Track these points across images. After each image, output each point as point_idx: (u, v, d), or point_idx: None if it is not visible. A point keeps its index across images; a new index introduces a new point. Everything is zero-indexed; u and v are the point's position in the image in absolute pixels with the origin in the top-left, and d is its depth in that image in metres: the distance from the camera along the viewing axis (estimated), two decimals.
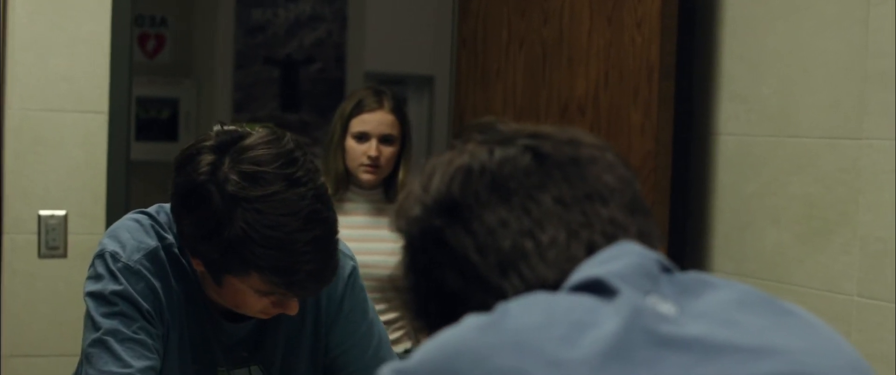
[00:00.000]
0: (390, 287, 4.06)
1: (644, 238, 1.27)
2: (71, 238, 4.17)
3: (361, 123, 4.02)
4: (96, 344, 2.20)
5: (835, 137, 3.64)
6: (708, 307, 1.18)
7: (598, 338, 1.10)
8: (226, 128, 2.20)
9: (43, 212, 4.14)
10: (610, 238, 1.24)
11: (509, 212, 1.24)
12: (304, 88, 7.84)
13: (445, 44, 6.06)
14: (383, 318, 4.05)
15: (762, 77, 3.89)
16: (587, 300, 1.15)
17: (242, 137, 2.17)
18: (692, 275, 1.24)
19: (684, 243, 4.10)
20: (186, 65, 7.75)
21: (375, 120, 4.03)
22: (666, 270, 1.23)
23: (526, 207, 1.25)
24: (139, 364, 2.19)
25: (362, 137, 4.02)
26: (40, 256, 4.15)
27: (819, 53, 3.69)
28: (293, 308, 2.24)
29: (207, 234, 2.14)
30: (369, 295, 3.93)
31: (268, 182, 2.10)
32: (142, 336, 2.21)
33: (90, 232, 4.18)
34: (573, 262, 1.22)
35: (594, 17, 4.15)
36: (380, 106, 4.04)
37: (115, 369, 2.18)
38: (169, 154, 8.06)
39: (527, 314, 1.13)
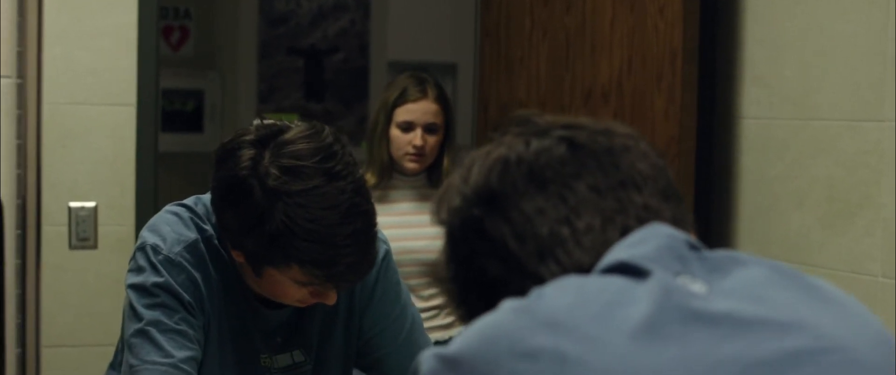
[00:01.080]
0: (433, 277, 4.11)
1: (678, 223, 1.29)
2: (101, 230, 4.20)
3: (406, 112, 4.05)
4: (139, 334, 2.24)
5: (857, 119, 3.65)
6: (737, 284, 1.20)
7: (630, 316, 1.14)
8: (266, 122, 2.23)
9: (73, 204, 4.17)
10: (644, 223, 1.27)
11: (546, 200, 1.28)
12: (328, 77, 7.87)
13: (468, 31, 6.08)
14: (434, 303, 4.09)
15: (784, 61, 3.90)
16: (619, 281, 1.19)
17: (282, 130, 2.19)
18: (721, 253, 1.27)
19: (709, 226, 4.12)
20: (210, 56, 7.77)
21: (420, 109, 4.06)
22: (695, 249, 1.26)
23: (562, 195, 1.28)
24: (181, 354, 2.22)
25: (407, 127, 4.05)
26: (71, 247, 4.19)
27: (840, 35, 3.71)
28: (332, 298, 2.28)
29: (249, 227, 2.17)
30: (417, 280, 4.00)
31: (308, 176, 2.13)
32: (183, 327, 2.25)
33: (120, 223, 4.22)
34: (608, 246, 1.25)
35: (616, 4, 4.17)
36: (424, 95, 4.06)
37: (157, 358, 2.21)
38: (194, 146, 8.13)
39: (560, 296, 1.17)
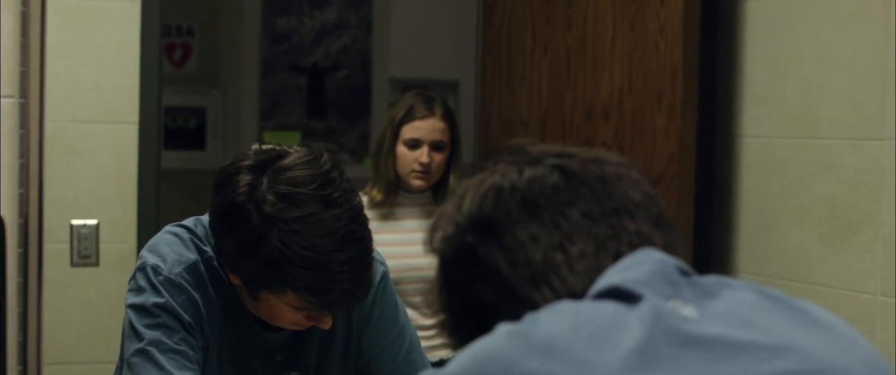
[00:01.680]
0: (427, 303, 4.10)
1: (669, 249, 1.30)
2: (103, 247, 4.21)
3: (413, 130, 4.06)
4: (139, 354, 2.24)
5: (857, 137, 3.65)
6: (726, 307, 1.22)
7: (623, 340, 1.15)
8: (264, 147, 2.23)
9: (75, 221, 4.18)
10: (636, 249, 1.28)
11: (540, 227, 1.29)
12: (331, 95, 7.87)
13: (470, 49, 6.08)
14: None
15: (784, 79, 3.90)
16: (611, 306, 1.20)
17: (280, 156, 2.20)
18: (710, 278, 1.28)
19: (709, 244, 4.12)
20: (213, 74, 7.78)
21: (427, 127, 4.07)
22: (685, 275, 1.26)
23: (555, 222, 1.29)
24: (181, 374, 2.23)
25: (414, 144, 4.06)
26: (73, 265, 4.19)
27: (840, 54, 3.71)
28: (327, 324, 2.28)
29: (245, 252, 2.17)
30: (418, 299, 3.99)
31: (305, 203, 2.13)
32: (183, 348, 2.25)
33: (122, 241, 4.22)
34: (600, 271, 1.26)
35: (617, 22, 4.18)
36: (431, 113, 4.07)
37: None
38: (196, 162, 8.12)
39: (555, 320, 1.18)
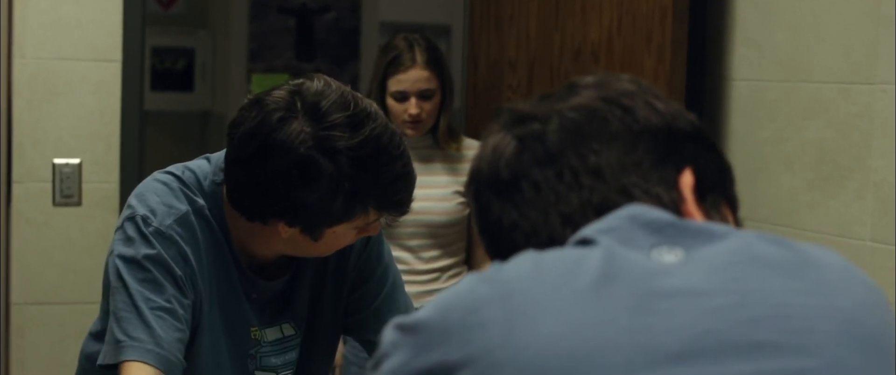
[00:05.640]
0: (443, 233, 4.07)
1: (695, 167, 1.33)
2: (85, 187, 4.19)
3: (397, 82, 3.98)
4: (128, 308, 2.20)
5: (848, 82, 3.62)
6: (709, 255, 1.20)
7: (578, 281, 1.17)
8: (262, 94, 2.21)
9: (57, 160, 4.15)
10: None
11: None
12: (320, 37, 7.84)
13: None
14: (437, 264, 4.06)
15: (775, 22, 3.87)
16: (573, 252, 1.21)
17: (298, 94, 2.18)
18: (699, 225, 1.26)
19: None
20: (201, 15, 7.75)
21: (411, 78, 3.98)
22: (671, 224, 1.25)
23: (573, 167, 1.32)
24: (169, 335, 2.20)
25: (401, 97, 3.99)
26: (55, 204, 4.17)
27: None
28: (377, 228, 2.34)
29: (329, 197, 2.17)
30: (422, 241, 3.98)
31: (359, 124, 2.16)
32: (173, 305, 2.21)
33: (104, 180, 4.20)
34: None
35: None
36: (413, 63, 3.99)
37: (144, 337, 2.18)
38: (184, 104, 8.12)
39: (518, 267, 1.21)
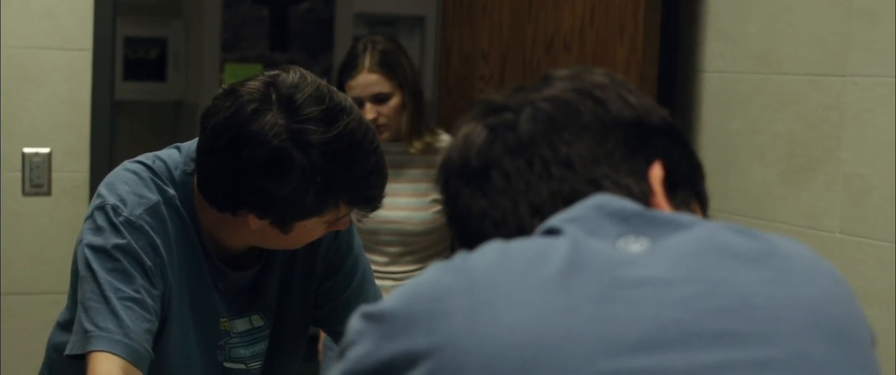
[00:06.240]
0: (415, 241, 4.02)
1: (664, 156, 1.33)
2: (55, 176, 4.17)
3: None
4: (96, 298, 2.19)
5: (819, 74, 3.63)
6: (675, 244, 1.20)
7: (544, 269, 1.17)
8: (234, 86, 2.20)
9: (27, 150, 4.13)
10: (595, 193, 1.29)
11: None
12: (294, 27, 7.81)
13: None
14: (411, 268, 4.00)
15: (747, 14, 3.88)
16: (539, 241, 1.21)
17: (272, 85, 2.18)
18: (665, 215, 1.26)
19: None
20: (175, 4, 7.72)
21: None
22: (637, 214, 1.25)
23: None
24: (138, 326, 2.18)
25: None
26: (25, 194, 4.15)
27: None
28: (347, 223, 2.33)
29: (302, 189, 2.16)
30: (395, 249, 3.95)
31: (332, 119, 2.16)
32: (142, 296, 2.20)
33: (74, 170, 4.18)
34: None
35: None
36: (360, 69, 3.92)
37: (112, 327, 2.16)
38: (157, 94, 8.06)
39: (483, 256, 1.21)
